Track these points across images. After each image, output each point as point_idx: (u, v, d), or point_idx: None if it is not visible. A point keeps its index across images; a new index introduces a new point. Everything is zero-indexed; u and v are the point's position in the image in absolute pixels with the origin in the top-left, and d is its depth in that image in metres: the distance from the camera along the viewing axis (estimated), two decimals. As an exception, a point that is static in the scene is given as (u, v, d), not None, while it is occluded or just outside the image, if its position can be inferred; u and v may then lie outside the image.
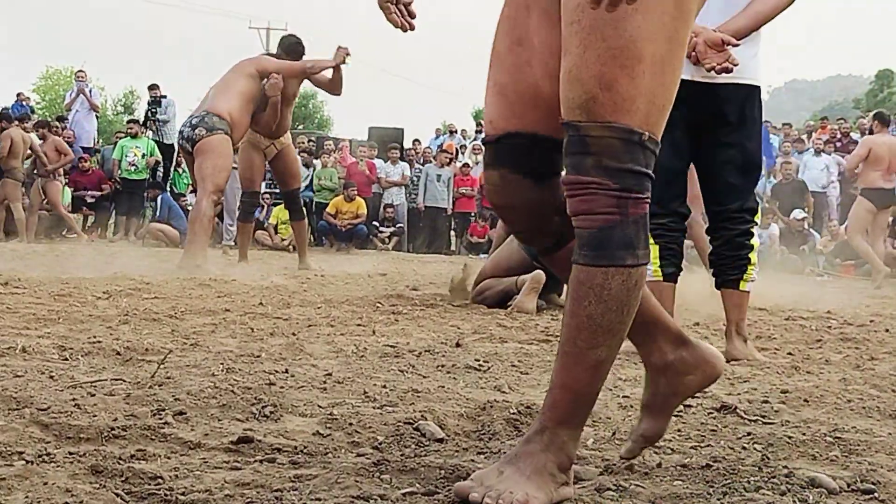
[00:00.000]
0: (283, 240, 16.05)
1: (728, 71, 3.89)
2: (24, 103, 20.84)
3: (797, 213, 15.51)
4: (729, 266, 4.17)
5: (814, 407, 2.95)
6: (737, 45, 3.91)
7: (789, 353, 4.28)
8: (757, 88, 4.18)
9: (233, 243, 13.79)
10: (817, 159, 17.30)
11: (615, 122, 1.82)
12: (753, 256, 4.19)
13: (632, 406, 2.91)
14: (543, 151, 2.05)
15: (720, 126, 4.12)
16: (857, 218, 11.60)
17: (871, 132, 12.22)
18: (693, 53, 3.88)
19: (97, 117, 19.45)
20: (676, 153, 4.10)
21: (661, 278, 4.14)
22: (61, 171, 15.88)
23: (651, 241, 4.08)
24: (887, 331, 5.34)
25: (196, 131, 8.43)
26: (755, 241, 4.21)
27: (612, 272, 1.84)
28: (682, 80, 3.90)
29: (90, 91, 18.81)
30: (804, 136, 18.85)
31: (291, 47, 9.37)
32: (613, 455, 2.23)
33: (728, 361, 3.97)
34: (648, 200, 1.88)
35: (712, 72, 3.89)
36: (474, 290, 6.32)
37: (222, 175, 8.62)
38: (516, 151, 2.05)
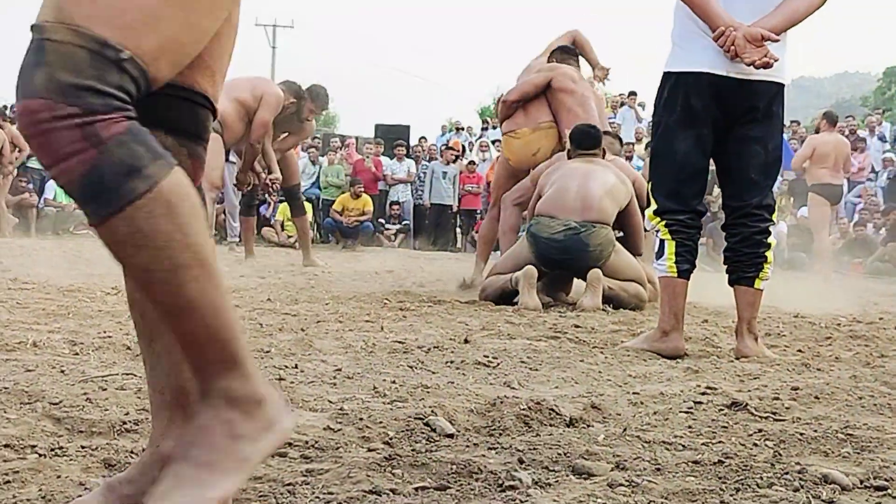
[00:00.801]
0: (289, 237, 16.06)
1: (767, 66, 3.88)
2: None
3: (805, 211, 15.48)
4: (746, 263, 4.16)
5: (825, 404, 2.95)
6: (776, 41, 3.89)
7: (799, 351, 4.27)
8: (783, 87, 4.16)
9: (238, 240, 13.78)
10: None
11: (88, 28, 1.36)
12: (770, 255, 4.18)
13: (642, 402, 2.91)
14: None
15: (749, 122, 4.10)
16: (815, 214, 12.27)
17: (817, 131, 12.71)
18: (732, 48, 3.85)
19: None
20: (701, 149, 4.11)
21: (676, 275, 4.12)
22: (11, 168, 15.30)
23: (668, 237, 4.11)
24: (896, 328, 5.33)
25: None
26: (772, 239, 4.22)
27: (130, 214, 1.36)
28: (716, 76, 4.02)
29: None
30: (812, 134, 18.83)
31: (321, 98, 9.53)
32: (625, 451, 2.22)
33: (738, 358, 3.98)
34: (124, 118, 1.36)
35: (751, 67, 3.87)
36: (481, 288, 6.34)
37: (215, 173, 8.83)
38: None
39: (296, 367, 3.24)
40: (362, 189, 17.44)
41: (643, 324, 5.12)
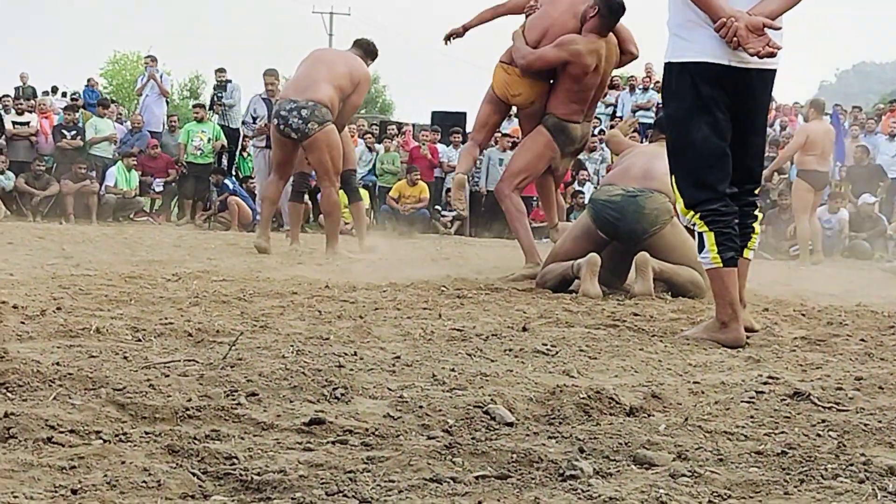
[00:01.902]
0: (346, 223, 16.11)
1: (772, 56, 3.89)
2: (94, 88, 21.17)
3: (867, 198, 15.26)
4: (738, 236, 4.14)
5: (889, 394, 2.90)
6: (778, 29, 3.89)
7: (862, 340, 4.21)
8: (775, 73, 4.18)
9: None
10: (890, 144, 16.99)
11: None
12: (757, 227, 4.28)
13: (702, 392, 2.89)
14: None
15: (752, 111, 4.12)
16: (799, 199, 12.44)
17: (806, 119, 13.11)
18: (735, 38, 3.83)
19: (167, 102, 19.66)
20: (718, 134, 4.06)
21: (722, 265, 4.04)
22: None
23: (705, 228, 4.06)
24: (961, 317, 5.23)
25: (309, 126, 8.43)
26: (758, 212, 4.32)
27: None
28: (719, 65, 3.96)
29: (161, 77, 19.03)
30: (873, 120, 18.49)
31: (371, 49, 9.40)
32: (686, 441, 2.21)
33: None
34: None
35: (755, 57, 3.86)
36: (539, 275, 6.31)
37: (339, 161, 8.93)
38: None
39: (355, 354, 3.25)
40: (419, 176, 17.44)
41: (702, 312, 5.07)
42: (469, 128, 20.86)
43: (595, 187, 13.19)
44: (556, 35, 6.90)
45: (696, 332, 4.15)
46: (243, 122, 14.89)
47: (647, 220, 5.91)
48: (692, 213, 4.12)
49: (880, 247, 14.64)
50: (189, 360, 2.98)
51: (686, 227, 4.46)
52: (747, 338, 4.05)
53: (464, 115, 22.27)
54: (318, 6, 51.85)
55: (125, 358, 2.99)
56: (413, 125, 22.16)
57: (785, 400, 2.76)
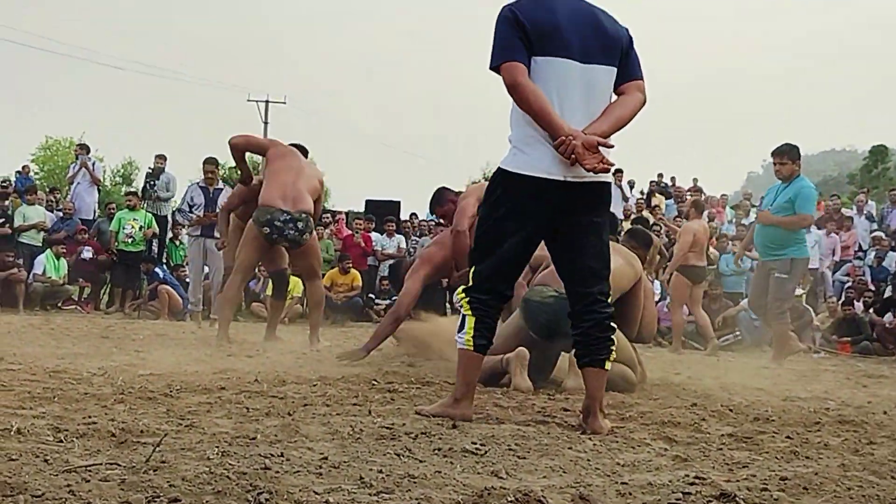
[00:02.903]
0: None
1: (606, 171, 4.21)
2: (27, 175, 21.00)
3: (797, 291, 15.53)
4: (599, 347, 4.41)
5: (813, 495, 2.93)
6: (611, 147, 4.24)
7: (788, 437, 4.26)
8: (610, 185, 4.52)
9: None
10: (808, 236, 17.34)
11: None
12: (615, 338, 4.48)
13: (630, 493, 2.89)
14: None
15: (584, 216, 4.39)
16: (677, 292, 13.07)
17: (687, 218, 14.07)
18: (572, 156, 4.13)
19: (98, 190, 19.53)
20: (525, 248, 4.44)
21: (472, 349, 4.39)
22: None
23: (469, 312, 4.43)
24: (885, 413, 5.32)
25: (304, 237, 8.96)
26: (614, 324, 4.51)
27: None
28: (550, 180, 4.25)
29: (93, 165, 18.93)
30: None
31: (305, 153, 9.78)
32: (612, 547, 2.21)
33: (593, 433, 4.19)
34: None
35: (591, 172, 4.17)
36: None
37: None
38: None
39: (281, 455, 3.21)
40: (350, 264, 17.44)
41: (632, 407, 5.10)
42: (404, 216, 21.04)
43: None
44: None
45: (432, 408, 4.46)
46: (179, 210, 14.84)
47: None
48: (464, 296, 4.46)
49: (807, 338, 14.87)
50: (111, 464, 2.92)
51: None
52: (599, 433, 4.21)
53: (398, 203, 22.42)
54: (254, 94, 52.05)
55: (46, 461, 2.93)
56: (347, 213, 22.23)
57: (711, 501, 2.77)
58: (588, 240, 4.42)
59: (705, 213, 16.95)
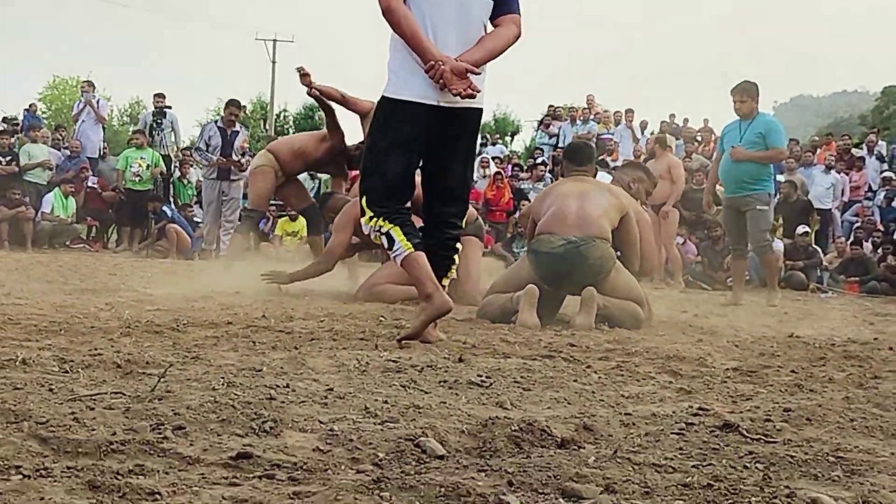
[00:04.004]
0: (287, 251, 16.03)
1: (472, 96, 4.42)
2: (34, 114, 20.94)
3: (800, 229, 15.50)
4: (438, 265, 4.69)
5: (816, 426, 2.94)
6: (478, 74, 4.44)
7: (792, 371, 4.26)
8: (482, 111, 4.75)
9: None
10: (825, 177, 17.30)
11: None
12: (457, 258, 4.84)
13: (633, 423, 2.89)
14: None
15: (454, 142, 4.66)
16: (671, 228, 13.53)
17: (652, 156, 14.21)
18: (441, 80, 4.35)
19: (103, 128, 19.48)
20: (410, 171, 4.70)
21: (413, 249, 4.61)
22: None
23: (390, 225, 4.65)
24: (891, 349, 5.31)
25: None
26: (460, 245, 4.87)
27: None
28: (425, 105, 4.47)
29: (98, 102, 18.85)
30: (810, 152, 18.79)
31: None
32: (615, 473, 2.21)
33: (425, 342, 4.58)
34: None
35: (457, 97, 4.38)
36: (479, 306, 6.33)
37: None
38: None
39: (287, 386, 3.22)
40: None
41: (638, 342, 5.11)
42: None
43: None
44: None
45: (414, 327, 4.63)
46: (196, 149, 14.80)
47: (593, 270, 6.00)
48: (375, 218, 4.71)
49: (815, 278, 14.87)
50: (116, 393, 2.93)
51: (368, 235, 4.80)
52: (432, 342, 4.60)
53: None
54: (262, 33, 51.72)
55: (50, 390, 2.94)
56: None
57: (714, 432, 2.78)
58: (455, 165, 4.71)
59: (676, 147, 17.06)
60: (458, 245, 4.81)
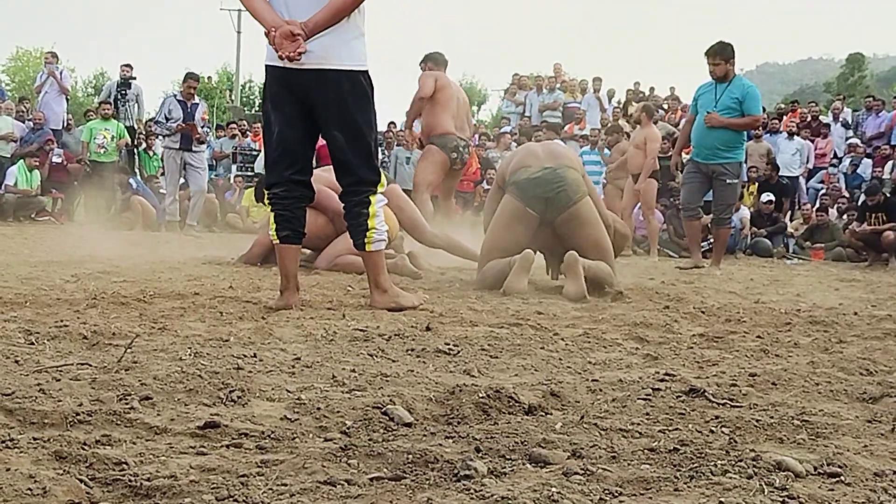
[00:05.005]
0: (254, 222, 15.97)
1: (294, 59, 4.44)
2: (-1, 86, 20.69)
3: (765, 197, 15.58)
4: (354, 232, 4.85)
5: (782, 390, 2.96)
6: (302, 35, 4.44)
7: (758, 337, 4.29)
8: (350, 73, 4.67)
9: (195, 223, 13.80)
10: (789, 143, 17.37)
11: None
12: (371, 222, 4.81)
13: (600, 390, 2.91)
14: None
15: (323, 107, 4.67)
16: (648, 197, 13.29)
17: (638, 123, 14.00)
18: (274, 45, 4.45)
19: (67, 99, 19.26)
20: (287, 129, 4.72)
21: (278, 241, 4.80)
22: None
23: (270, 209, 4.82)
24: (855, 314, 5.37)
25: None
26: (373, 208, 4.82)
27: None
28: (277, 67, 4.57)
29: (61, 73, 18.63)
30: (776, 119, 18.85)
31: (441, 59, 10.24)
32: (582, 439, 2.22)
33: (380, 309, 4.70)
34: None
35: (285, 60, 4.43)
36: (479, 276, 6.31)
37: None
38: None
39: (254, 356, 3.22)
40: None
41: (605, 310, 5.13)
42: (382, 126, 20.84)
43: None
44: None
45: (274, 304, 4.74)
46: (156, 122, 14.70)
47: (572, 189, 6.20)
48: (267, 194, 4.84)
49: (780, 244, 14.97)
50: (82, 364, 2.92)
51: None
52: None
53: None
54: (226, 2, 51.19)
55: (16, 362, 2.92)
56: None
57: (680, 397, 2.80)
58: (330, 133, 4.71)
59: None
60: (369, 209, 4.79)
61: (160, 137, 16.70)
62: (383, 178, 4.88)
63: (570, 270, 5.84)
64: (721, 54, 9.39)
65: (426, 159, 10.08)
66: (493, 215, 6.48)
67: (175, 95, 14.04)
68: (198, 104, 13.82)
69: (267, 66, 4.69)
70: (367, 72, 4.73)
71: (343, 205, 4.88)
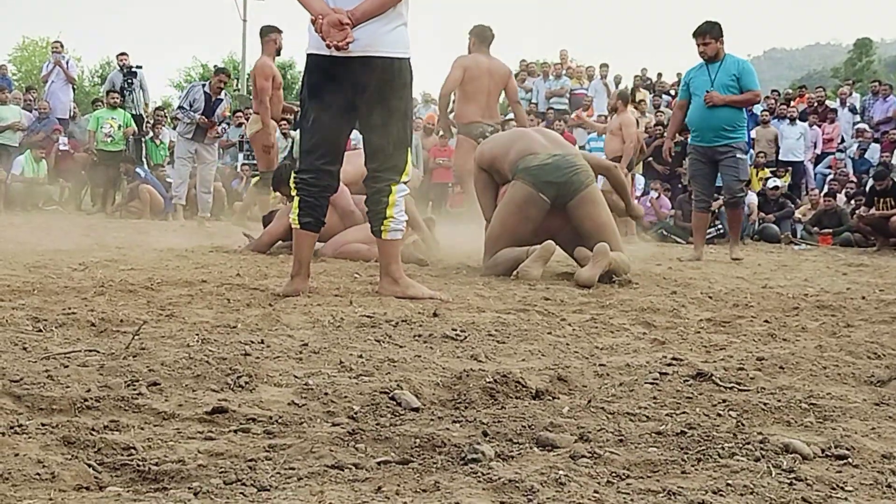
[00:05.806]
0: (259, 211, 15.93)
1: (341, 48, 4.41)
2: (4, 76, 20.70)
3: (771, 182, 15.56)
4: (373, 219, 4.85)
5: (789, 374, 2.96)
6: (349, 24, 4.42)
7: (766, 321, 4.29)
8: (394, 60, 4.66)
9: (208, 215, 13.77)
10: (793, 128, 17.33)
11: None
12: (389, 210, 4.80)
13: (608, 374, 2.91)
14: None
15: (370, 96, 4.65)
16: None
17: (615, 111, 14.21)
18: (320, 34, 4.43)
19: (73, 89, 19.27)
20: (326, 120, 4.71)
21: (299, 227, 4.82)
22: None
23: (295, 193, 4.83)
24: (863, 298, 5.36)
25: None
26: (393, 197, 4.81)
27: None
28: (324, 56, 4.53)
29: (67, 63, 18.63)
30: (784, 105, 18.80)
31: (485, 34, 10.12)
32: (589, 423, 2.23)
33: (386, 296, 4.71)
34: None
35: (332, 48, 4.41)
36: (487, 261, 6.29)
37: None
38: None
39: (262, 342, 3.22)
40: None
41: (612, 295, 5.13)
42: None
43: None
44: None
45: (283, 289, 4.76)
46: (180, 108, 14.62)
47: (582, 173, 6.27)
48: (295, 178, 4.85)
49: (788, 230, 14.94)
50: (90, 351, 2.93)
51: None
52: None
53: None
54: (232, -10, 51.03)
55: (24, 349, 2.93)
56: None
57: (687, 381, 2.80)
58: (371, 119, 4.70)
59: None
60: (389, 198, 4.78)
61: (167, 126, 16.72)
62: (409, 167, 4.86)
63: (596, 259, 5.75)
64: (710, 33, 9.20)
65: (459, 150, 10.34)
66: (497, 202, 6.48)
67: (203, 85, 13.96)
68: (221, 100, 13.70)
69: (309, 54, 4.69)
70: (409, 59, 4.74)
71: (367, 190, 4.88)
